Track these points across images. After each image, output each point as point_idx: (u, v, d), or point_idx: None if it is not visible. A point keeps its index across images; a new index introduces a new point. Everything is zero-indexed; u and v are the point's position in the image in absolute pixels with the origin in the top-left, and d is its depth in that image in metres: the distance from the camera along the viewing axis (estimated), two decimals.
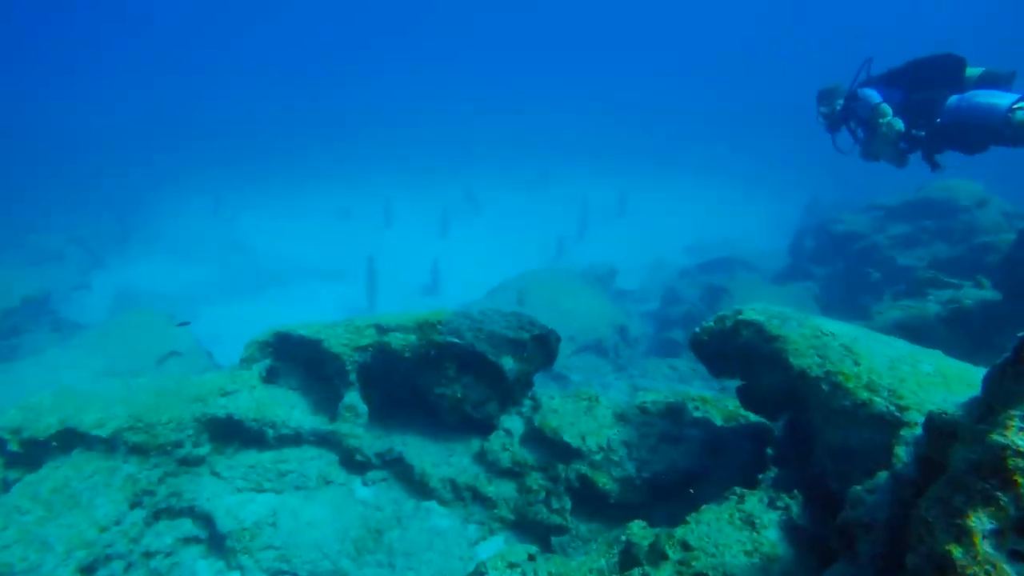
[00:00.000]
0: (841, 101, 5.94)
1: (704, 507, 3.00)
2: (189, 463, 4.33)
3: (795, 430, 3.66)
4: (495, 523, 4.17)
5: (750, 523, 2.77)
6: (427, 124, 52.00)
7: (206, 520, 4.17)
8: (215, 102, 61.17)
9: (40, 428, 4.08)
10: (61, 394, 4.42)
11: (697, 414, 4.77)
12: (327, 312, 17.88)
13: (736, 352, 3.72)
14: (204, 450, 4.39)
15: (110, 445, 4.09)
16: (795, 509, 2.82)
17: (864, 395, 2.77)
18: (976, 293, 7.11)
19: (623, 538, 2.98)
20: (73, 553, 3.62)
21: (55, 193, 27.98)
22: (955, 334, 6.55)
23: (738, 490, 3.06)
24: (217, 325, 17.03)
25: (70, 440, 4.11)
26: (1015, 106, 4.67)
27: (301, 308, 18.17)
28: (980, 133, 4.99)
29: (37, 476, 3.94)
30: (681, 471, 4.02)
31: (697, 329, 4.06)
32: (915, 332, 6.69)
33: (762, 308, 3.77)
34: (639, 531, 2.96)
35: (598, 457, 4.11)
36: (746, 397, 3.90)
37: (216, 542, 4.12)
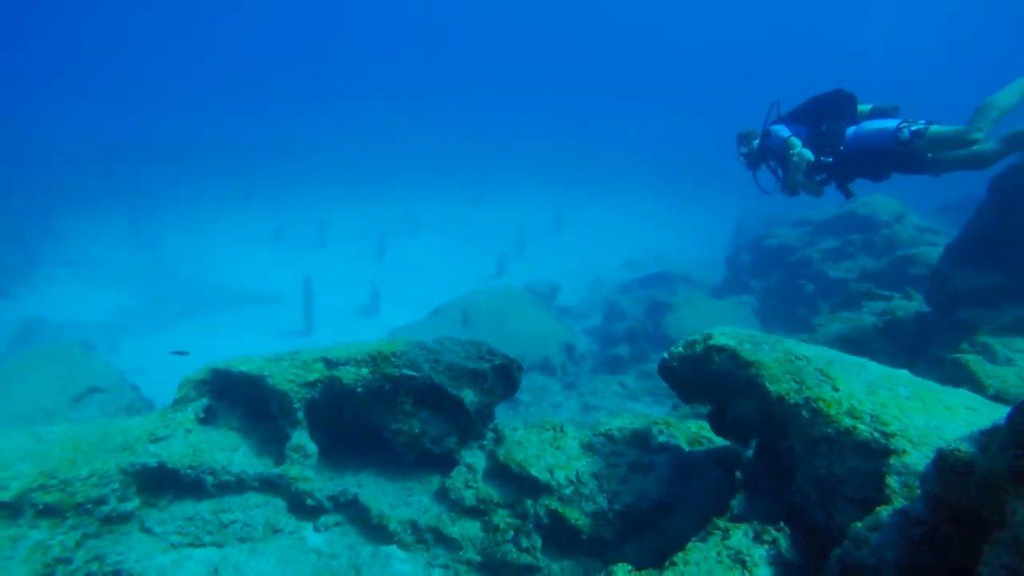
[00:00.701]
0: (757, 141, 6.38)
1: (689, 545, 2.87)
2: (114, 521, 3.86)
3: (768, 456, 3.61)
4: (461, 566, 3.91)
5: (740, 561, 2.65)
6: (361, 141, 51.19)
7: None
8: (132, 115, 58.15)
9: None
10: None
11: (662, 438, 4.68)
12: (262, 337, 17.09)
13: (708, 378, 3.65)
14: (132, 504, 3.94)
15: (13, 510, 3.58)
16: (783, 543, 2.72)
17: (847, 422, 2.71)
18: (907, 305, 7.43)
19: None
20: None
21: None
22: (892, 344, 6.79)
23: (721, 524, 2.95)
24: (141, 356, 15.98)
25: None
26: (900, 126, 5.43)
27: (233, 334, 17.30)
28: (878, 156, 5.64)
29: None
30: (653, 500, 3.89)
31: (666, 355, 3.97)
32: (856, 344, 6.91)
33: (731, 332, 3.72)
34: (622, 575, 2.79)
35: (568, 491, 3.94)
36: (718, 422, 3.83)
37: None
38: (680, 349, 3.88)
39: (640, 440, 4.56)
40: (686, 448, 4.34)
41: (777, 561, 2.66)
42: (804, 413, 2.93)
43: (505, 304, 12.78)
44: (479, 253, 24.30)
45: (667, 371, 3.93)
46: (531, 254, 24.81)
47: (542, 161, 46.44)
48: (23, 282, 19.89)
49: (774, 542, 2.74)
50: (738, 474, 4.18)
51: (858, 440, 2.63)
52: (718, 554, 2.70)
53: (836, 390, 2.91)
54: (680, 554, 2.79)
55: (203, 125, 55.70)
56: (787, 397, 3.06)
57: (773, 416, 3.19)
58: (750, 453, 4.08)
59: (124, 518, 3.91)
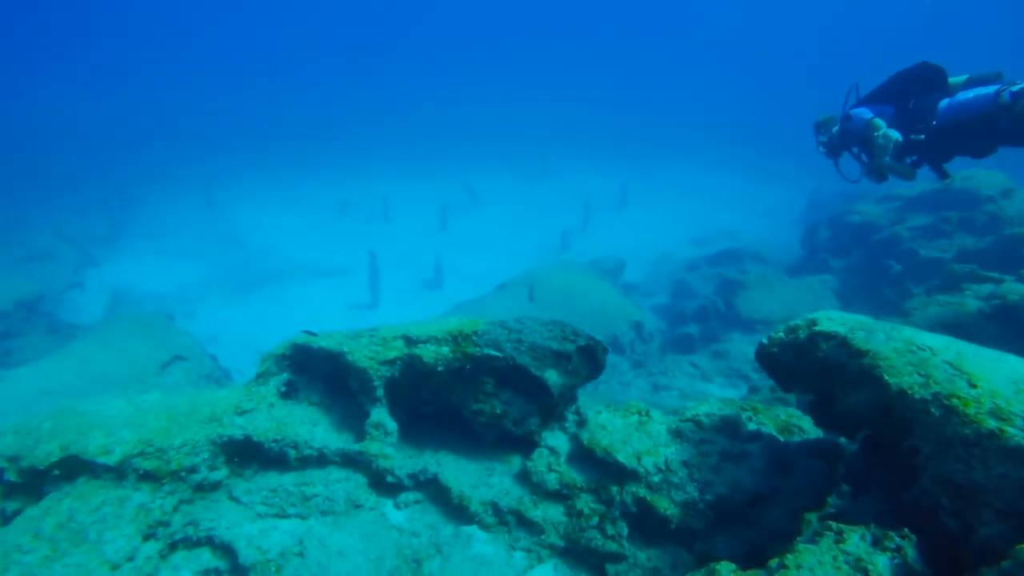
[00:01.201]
0: (836, 127, 5.92)
1: (799, 546, 2.66)
2: (205, 489, 3.96)
3: (879, 452, 3.33)
4: (543, 550, 3.83)
5: (861, 570, 2.43)
6: (425, 115, 51.40)
7: (226, 550, 3.81)
8: (205, 94, 60.21)
9: (40, 456, 3.70)
10: (61, 415, 4.04)
11: (752, 426, 4.44)
12: (330, 309, 17.51)
13: (813, 367, 3.38)
14: (221, 474, 4.03)
15: (118, 473, 3.71)
16: (909, 552, 2.48)
17: (991, 423, 2.43)
18: (1021, 288, 6.81)
19: None
20: None
21: (41, 189, 27.34)
22: (1004, 332, 6.25)
23: (834, 525, 2.72)
24: (215, 325, 16.64)
25: (74, 468, 3.74)
26: (1000, 90, 4.79)
27: (302, 306, 17.79)
28: (977, 127, 5.00)
29: (39, 509, 3.56)
30: (747, 492, 3.68)
31: (765, 340, 3.71)
32: (959, 330, 6.39)
33: (839, 317, 3.43)
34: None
35: (656, 479, 3.77)
36: (820, 413, 3.56)
37: (238, 575, 3.76)
38: (781, 335, 3.61)
39: (730, 427, 4.33)
40: (778, 437, 4.09)
41: (904, 572, 2.42)
42: (933, 410, 2.65)
43: (572, 280, 12.58)
44: (542, 227, 24.06)
45: (766, 357, 3.68)
46: (595, 229, 24.38)
47: (606, 135, 45.45)
48: (110, 252, 21.00)
49: (898, 550, 2.51)
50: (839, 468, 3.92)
51: (1007, 445, 2.34)
52: (834, 559, 2.49)
53: (974, 386, 2.61)
54: (790, 556, 2.58)
55: (270, 100, 57.16)
56: (911, 391, 2.78)
57: (892, 411, 2.91)
58: (854, 447, 3.80)
59: (214, 487, 4.00)
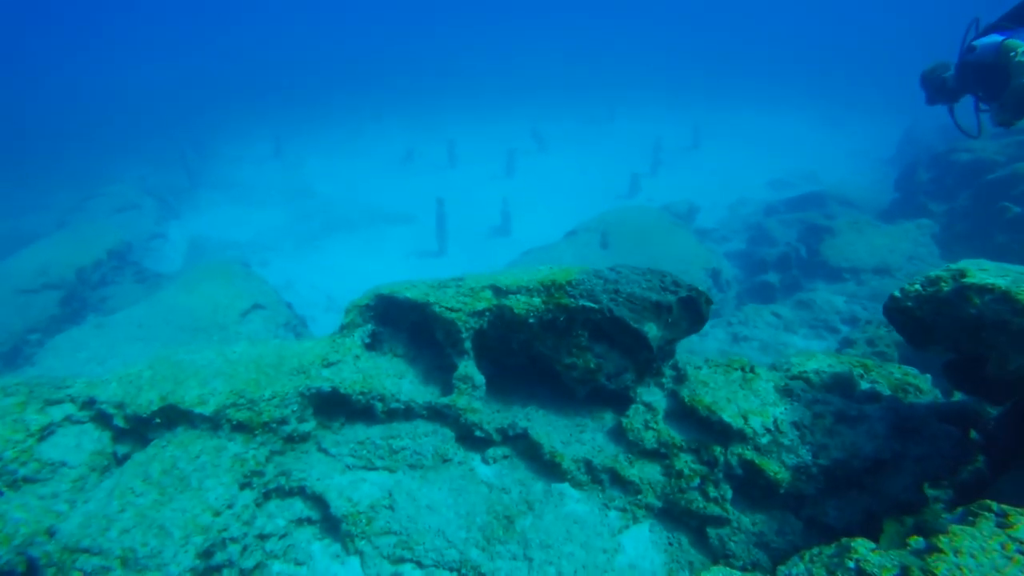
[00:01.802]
0: (951, 71, 5.31)
1: (952, 528, 2.36)
2: (295, 440, 3.97)
3: None
4: (639, 510, 3.66)
5: None
6: (488, 60, 50.22)
7: (316, 501, 3.82)
8: (271, 45, 60.71)
9: (142, 404, 3.77)
10: (158, 364, 4.10)
11: (864, 384, 4.08)
12: (399, 257, 17.63)
13: (958, 323, 2.98)
14: (309, 426, 4.02)
15: (213, 423, 3.74)
16: None
17: None
18: None
19: (850, 564, 2.38)
20: (191, 539, 3.32)
21: (125, 144, 28.42)
22: None
23: (994, 506, 2.40)
24: (289, 272, 17.05)
25: (172, 417, 3.79)
26: None
27: (372, 254, 17.98)
28: None
29: (145, 455, 3.64)
30: (866, 458, 3.37)
31: (897, 293, 3.31)
32: None
33: (995, 268, 2.99)
34: (871, 556, 2.35)
35: (764, 440, 3.50)
36: (963, 376, 3.17)
37: (330, 524, 3.77)
38: (918, 287, 3.20)
39: (842, 385, 3.98)
40: (899, 398, 3.73)
41: None
42: None
43: (646, 225, 12.10)
44: (611, 172, 23.27)
45: (898, 312, 3.28)
46: (666, 172, 23.38)
47: (677, 73, 43.23)
48: (189, 203, 21.74)
49: None
50: (974, 435, 3.54)
51: None
52: (1004, 547, 2.18)
53: None
54: (944, 539, 2.29)
55: (333, 50, 57.06)
56: None
57: None
58: (996, 413, 3.41)
59: (303, 438, 4.00)
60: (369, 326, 4.39)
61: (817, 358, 4.20)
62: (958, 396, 4.18)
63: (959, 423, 3.47)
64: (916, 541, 2.41)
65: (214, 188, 24.04)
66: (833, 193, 15.90)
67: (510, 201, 18.56)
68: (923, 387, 4.13)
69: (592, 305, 3.69)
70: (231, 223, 20.92)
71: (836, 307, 10.00)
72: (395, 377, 4.22)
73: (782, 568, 2.68)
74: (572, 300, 3.76)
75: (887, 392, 4.00)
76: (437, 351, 4.32)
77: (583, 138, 29.03)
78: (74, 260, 11.35)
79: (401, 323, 4.45)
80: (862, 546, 2.43)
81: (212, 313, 8.08)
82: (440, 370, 4.31)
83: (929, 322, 3.16)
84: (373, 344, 4.44)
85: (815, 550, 2.62)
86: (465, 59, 50.87)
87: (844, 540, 2.52)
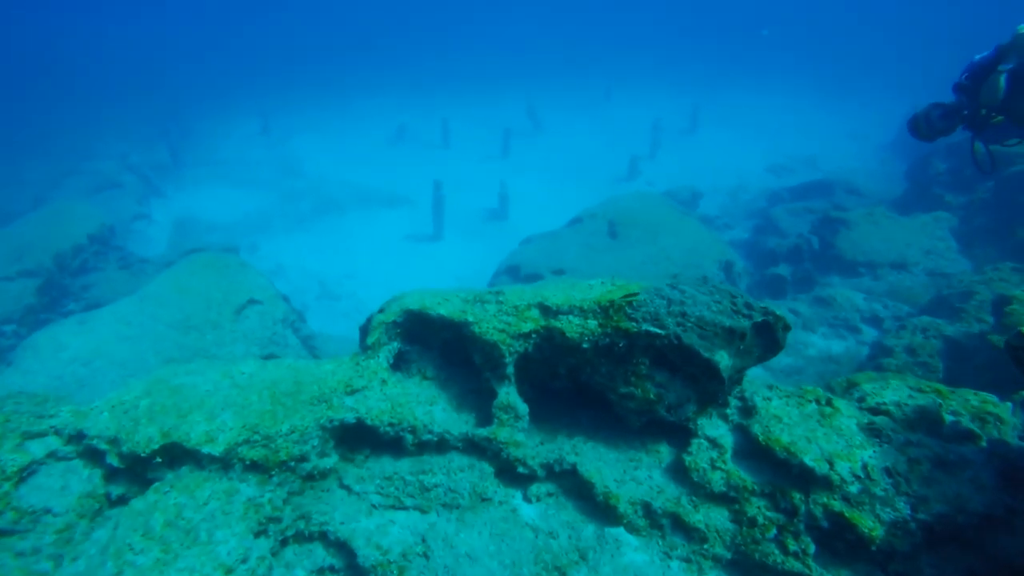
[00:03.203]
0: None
1: None
2: (315, 478, 3.50)
3: None
4: (706, 561, 3.25)
5: None
6: (482, 36, 48.97)
7: (341, 548, 3.37)
8: (258, 18, 58.73)
9: (140, 441, 3.27)
10: (156, 390, 3.59)
11: (948, 416, 3.68)
12: (393, 240, 17.04)
13: None
14: (331, 460, 3.55)
15: (224, 463, 3.27)
16: None
17: None
18: None
19: None
20: None
21: (105, 119, 27.26)
22: None
23: None
24: (279, 256, 16.44)
25: (176, 455, 3.30)
26: None
27: (365, 237, 17.38)
28: None
29: (145, 502, 3.16)
30: (974, 514, 2.98)
31: None
32: None
33: None
34: None
35: (854, 489, 3.10)
36: None
37: (356, 575, 3.33)
38: None
39: (928, 420, 3.58)
40: (1007, 440, 3.34)
41: None
42: None
43: (655, 214, 11.64)
44: (609, 154, 22.73)
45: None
46: (664, 155, 22.87)
47: (674, 55, 42.45)
48: (173, 182, 20.89)
49: None
50: None
51: None
52: None
53: None
54: None
55: (323, 23, 55.36)
56: None
57: None
58: None
59: (324, 474, 3.54)
60: (396, 344, 3.91)
61: (893, 386, 3.80)
62: None
63: None
64: None
65: (200, 166, 23.17)
66: (840, 181, 15.55)
67: (506, 183, 17.99)
68: (1004, 417, 3.75)
69: (658, 331, 3.24)
70: (217, 203, 20.14)
71: (856, 304, 9.66)
72: (426, 403, 3.76)
73: None
74: (634, 324, 3.30)
75: (973, 426, 3.61)
76: (472, 372, 3.86)
77: (580, 119, 28.40)
78: (52, 245, 10.66)
79: (431, 340, 3.97)
80: None
81: (205, 309, 7.53)
82: (476, 394, 3.86)
83: None
84: (400, 363, 3.97)
85: None
86: (459, 35, 49.66)
87: None
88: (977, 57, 4.94)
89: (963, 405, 3.80)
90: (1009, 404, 3.93)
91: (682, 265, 10.27)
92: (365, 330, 3.95)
